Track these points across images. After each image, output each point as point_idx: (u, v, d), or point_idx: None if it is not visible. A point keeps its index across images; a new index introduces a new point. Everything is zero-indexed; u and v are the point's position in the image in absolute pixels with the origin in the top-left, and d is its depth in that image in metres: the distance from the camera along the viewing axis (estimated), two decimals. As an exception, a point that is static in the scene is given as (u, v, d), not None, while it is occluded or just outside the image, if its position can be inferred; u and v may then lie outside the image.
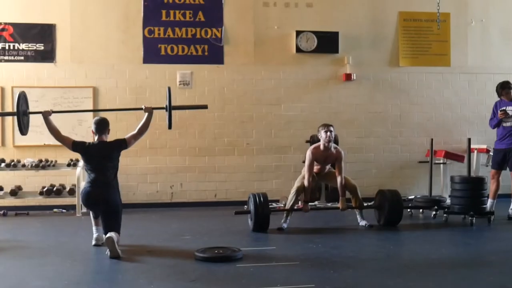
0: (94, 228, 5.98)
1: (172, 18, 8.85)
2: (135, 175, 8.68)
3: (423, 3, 9.29)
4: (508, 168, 7.40)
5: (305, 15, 9.10)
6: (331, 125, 6.75)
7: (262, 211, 6.40)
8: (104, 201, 5.60)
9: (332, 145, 6.76)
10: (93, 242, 5.85)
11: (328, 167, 6.96)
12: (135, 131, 5.86)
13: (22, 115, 5.83)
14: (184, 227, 6.76)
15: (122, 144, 5.82)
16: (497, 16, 9.59)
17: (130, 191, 8.65)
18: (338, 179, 6.76)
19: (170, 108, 5.91)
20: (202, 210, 8.33)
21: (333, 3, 9.19)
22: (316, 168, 6.86)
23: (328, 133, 6.65)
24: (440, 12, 8.69)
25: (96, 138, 5.88)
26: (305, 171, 6.75)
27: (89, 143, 5.88)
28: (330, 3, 9.18)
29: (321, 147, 6.72)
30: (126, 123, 8.66)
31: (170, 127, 5.91)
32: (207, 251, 5.21)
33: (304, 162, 8.38)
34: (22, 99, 5.86)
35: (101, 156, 5.73)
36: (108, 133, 5.95)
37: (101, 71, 8.67)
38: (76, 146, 5.82)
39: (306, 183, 6.66)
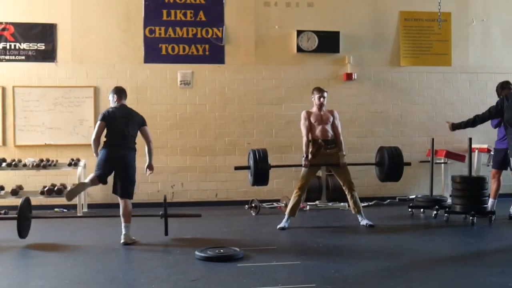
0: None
1: (173, 18, 8.85)
2: (136, 174, 8.65)
3: (424, 2, 9.28)
4: (509, 168, 7.39)
5: (306, 14, 9.10)
6: (325, 91, 6.92)
7: (262, 166, 6.46)
8: (124, 164, 6.14)
9: (324, 108, 6.91)
10: None
11: (330, 133, 6.85)
12: (148, 146, 6.48)
13: (24, 219, 5.91)
14: (185, 226, 6.76)
15: (143, 121, 6.39)
16: (498, 15, 9.58)
17: (131, 190, 8.64)
18: (336, 134, 6.87)
19: (166, 216, 6.09)
20: (203, 209, 8.30)
21: (334, 3, 9.19)
22: (319, 131, 6.80)
23: (322, 99, 6.85)
24: (441, 12, 8.69)
25: (116, 103, 6.29)
26: (302, 130, 6.81)
27: (110, 109, 6.28)
28: (331, 3, 9.18)
29: (314, 109, 6.88)
30: (127, 123, 8.67)
31: (166, 233, 6.09)
32: (208, 251, 5.21)
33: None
34: (25, 203, 5.95)
35: (125, 117, 6.19)
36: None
37: (102, 71, 8.67)
38: (105, 119, 6.13)
39: (305, 139, 6.74)
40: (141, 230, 6.46)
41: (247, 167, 6.78)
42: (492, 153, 8.01)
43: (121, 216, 6.03)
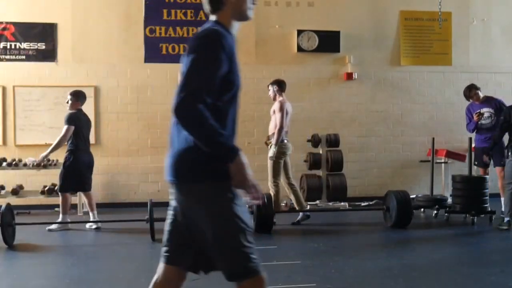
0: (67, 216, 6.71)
1: (173, 17, 8.84)
2: (136, 174, 8.69)
3: (424, 2, 9.27)
4: (493, 166, 7.55)
5: (306, 14, 9.09)
6: (270, 84, 7.15)
7: (265, 212, 6.37)
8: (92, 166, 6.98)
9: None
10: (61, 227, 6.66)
11: (272, 126, 7.07)
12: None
13: (7, 226, 5.77)
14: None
15: None
16: (499, 15, 9.57)
17: (131, 190, 8.66)
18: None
19: (152, 220, 5.99)
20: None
21: (335, 3, 9.18)
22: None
23: (268, 91, 7.17)
24: (442, 11, 8.68)
25: (76, 107, 6.81)
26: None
27: (75, 112, 6.79)
28: (332, 3, 9.17)
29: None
30: (127, 122, 8.69)
31: (153, 238, 6.00)
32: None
33: (305, 161, 8.41)
34: (7, 211, 5.87)
35: (88, 122, 6.91)
36: None
37: (102, 71, 8.67)
38: (74, 121, 6.68)
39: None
40: (141, 229, 6.44)
41: (250, 212, 6.72)
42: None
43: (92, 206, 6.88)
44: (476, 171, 8.22)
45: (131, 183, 8.66)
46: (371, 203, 8.69)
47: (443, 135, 9.18)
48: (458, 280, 4.46)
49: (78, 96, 6.89)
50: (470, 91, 7.70)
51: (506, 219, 6.56)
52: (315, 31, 9.01)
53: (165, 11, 8.81)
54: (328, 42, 9.06)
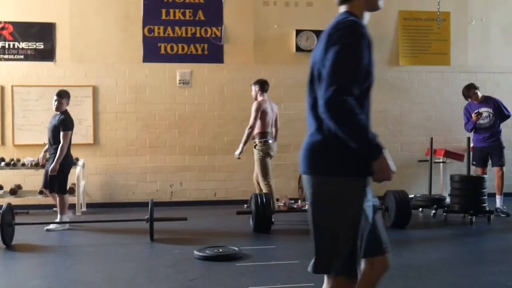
0: (65, 217, 6.80)
1: (172, 17, 8.84)
2: (134, 174, 8.68)
3: (423, 2, 9.27)
4: (492, 165, 7.67)
5: (305, 14, 9.09)
6: (252, 84, 7.28)
7: (264, 212, 6.38)
8: None
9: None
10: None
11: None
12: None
13: (7, 226, 5.76)
14: (183, 226, 6.77)
15: None
16: (497, 15, 9.57)
17: (130, 190, 8.66)
18: None
19: (152, 220, 5.99)
20: (202, 209, 8.33)
21: (333, 3, 9.01)
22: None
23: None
24: (440, 11, 8.68)
25: (64, 107, 6.84)
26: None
27: (68, 114, 6.87)
28: (330, 2, 9.09)
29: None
30: (125, 122, 8.68)
31: (152, 238, 6.01)
32: (206, 250, 5.22)
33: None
34: (7, 210, 5.86)
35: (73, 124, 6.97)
36: None
37: (101, 70, 8.66)
38: (71, 124, 6.85)
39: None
40: (140, 229, 6.44)
41: (249, 212, 6.74)
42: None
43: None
44: (475, 171, 8.23)
45: (129, 183, 8.66)
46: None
47: (441, 134, 9.19)
48: (456, 280, 4.46)
49: (66, 97, 6.91)
50: (469, 90, 7.73)
51: None
52: (314, 31, 9.00)
53: (163, 11, 8.80)
54: (327, 42, 9.04)
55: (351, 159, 2.28)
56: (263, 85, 7.16)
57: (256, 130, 6.99)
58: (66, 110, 6.90)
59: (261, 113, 6.98)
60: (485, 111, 7.59)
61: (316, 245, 2.39)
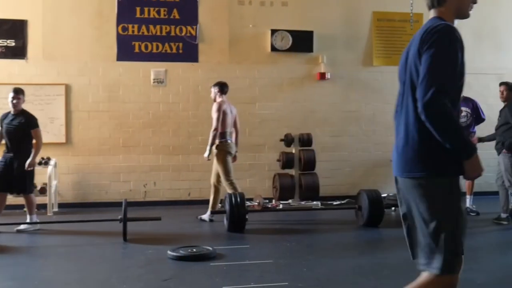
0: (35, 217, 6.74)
1: (146, 16, 8.77)
2: (107, 173, 8.60)
3: (396, 3, 9.37)
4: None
5: (280, 14, 9.11)
6: (212, 85, 7.30)
7: (238, 211, 6.38)
8: None
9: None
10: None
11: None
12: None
13: None
14: (157, 226, 6.73)
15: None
16: (469, 17, 9.70)
17: (102, 189, 8.57)
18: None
19: (125, 220, 5.91)
20: (176, 209, 8.30)
21: (308, 3, 9.22)
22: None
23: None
24: (413, 13, 8.79)
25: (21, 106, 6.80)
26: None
27: (28, 111, 6.83)
28: (305, 3, 9.21)
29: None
30: (99, 121, 8.59)
31: (125, 239, 5.93)
32: (180, 250, 5.19)
33: (278, 160, 8.43)
34: None
35: None
36: None
37: (73, 68, 8.55)
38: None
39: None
40: (113, 229, 6.38)
41: (223, 211, 6.73)
42: None
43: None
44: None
45: (102, 182, 8.57)
46: (343, 202, 8.76)
47: (414, 135, 9.28)
48: (427, 278, 4.52)
49: (23, 93, 6.82)
50: None
51: (504, 215, 6.85)
52: (289, 31, 9.04)
53: (138, 9, 8.73)
54: (302, 42, 9.09)
55: (451, 159, 2.36)
56: (222, 87, 7.24)
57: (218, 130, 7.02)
58: (22, 109, 6.79)
59: (222, 114, 7.03)
60: (464, 110, 7.66)
61: (436, 246, 2.47)
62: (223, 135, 7.06)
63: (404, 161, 2.48)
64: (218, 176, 7.15)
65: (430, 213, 2.40)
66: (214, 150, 7.06)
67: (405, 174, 2.48)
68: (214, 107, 7.09)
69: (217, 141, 7.04)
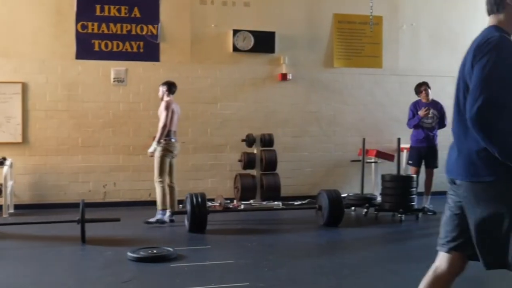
0: None
1: (106, 13, 8.64)
2: (66, 174, 8.43)
3: (357, 6, 9.49)
4: (425, 166, 7.92)
5: (242, 14, 9.12)
6: (163, 84, 7.31)
7: (199, 212, 6.36)
8: None
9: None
10: None
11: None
12: None
13: None
14: (117, 227, 6.64)
15: None
16: (427, 20, 9.93)
17: (61, 190, 8.40)
18: None
19: (83, 222, 5.80)
20: (136, 209, 8.19)
21: (270, 3, 9.25)
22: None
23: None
24: (373, 15, 8.93)
25: None
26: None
27: None
28: (267, 3, 9.24)
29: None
30: (57, 121, 8.42)
31: (84, 240, 5.82)
32: (140, 251, 5.14)
33: (240, 161, 8.43)
34: None
35: None
36: None
37: (31, 66, 8.35)
38: None
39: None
40: (72, 230, 6.27)
41: (184, 212, 6.69)
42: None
43: None
44: (405, 170, 8.53)
45: (60, 183, 8.40)
46: (304, 202, 8.83)
47: (373, 135, 9.44)
48: (386, 276, 4.60)
49: None
50: (420, 86, 7.93)
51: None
52: (251, 31, 9.05)
53: (98, 6, 8.59)
54: (264, 42, 9.12)
55: (507, 165, 2.40)
56: (170, 87, 7.28)
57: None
58: None
59: (171, 112, 7.07)
60: (431, 112, 7.84)
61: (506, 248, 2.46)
62: (168, 133, 7.06)
63: (467, 164, 2.52)
64: (170, 175, 7.15)
65: (498, 218, 2.45)
66: (156, 147, 7.03)
67: (465, 177, 2.52)
68: (163, 105, 7.11)
69: (162, 139, 7.02)
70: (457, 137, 2.61)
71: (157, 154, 7.01)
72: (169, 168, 7.14)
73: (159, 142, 6.99)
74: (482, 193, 2.48)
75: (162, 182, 7.00)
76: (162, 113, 7.05)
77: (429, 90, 7.90)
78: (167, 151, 7.03)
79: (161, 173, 7.01)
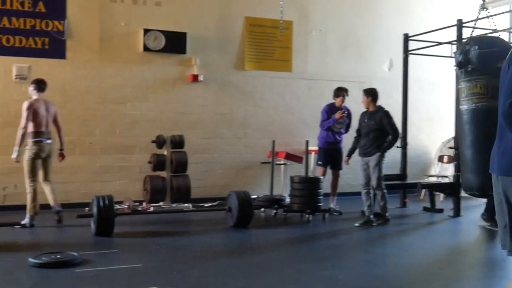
0: None
1: (8, 7, 8.21)
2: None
3: (268, 9, 9.63)
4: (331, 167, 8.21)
5: (153, 13, 8.99)
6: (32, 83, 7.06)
7: (106, 215, 6.19)
8: None
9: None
10: None
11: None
12: None
13: None
14: (17, 232, 6.33)
15: None
16: (335, 26, 10.27)
17: (-45, 193, 7.89)
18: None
19: None
20: (40, 213, 7.84)
21: (182, 4, 9.19)
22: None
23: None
24: (283, 20, 9.11)
25: None
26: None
27: None
28: (179, 3, 9.17)
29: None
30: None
31: None
32: (43, 257, 4.92)
33: (149, 162, 8.30)
34: None
35: None
36: None
37: None
38: None
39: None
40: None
41: (90, 215, 6.47)
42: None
43: None
44: (313, 172, 8.76)
45: (-45, 185, 7.89)
46: (214, 203, 8.83)
47: (283, 138, 9.62)
48: (293, 276, 4.71)
49: None
50: (341, 91, 8.11)
51: (371, 216, 7.20)
52: (162, 31, 8.95)
53: (-1, -1, 8.16)
54: (175, 43, 9.04)
55: None
56: (39, 84, 7.02)
57: (29, 130, 6.81)
58: None
59: (33, 113, 6.80)
60: (344, 117, 8.09)
61: None
62: (35, 135, 6.80)
63: (502, 160, 2.70)
64: (46, 174, 6.98)
65: None
66: (24, 150, 6.79)
67: (501, 172, 2.70)
68: (24, 105, 6.81)
69: (28, 141, 6.78)
70: (499, 133, 2.79)
71: (25, 158, 6.75)
72: (43, 168, 6.92)
73: (20, 145, 6.68)
74: None
75: (32, 187, 6.76)
76: (22, 114, 6.75)
77: (345, 96, 8.13)
78: (34, 153, 6.78)
79: (30, 176, 6.76)
